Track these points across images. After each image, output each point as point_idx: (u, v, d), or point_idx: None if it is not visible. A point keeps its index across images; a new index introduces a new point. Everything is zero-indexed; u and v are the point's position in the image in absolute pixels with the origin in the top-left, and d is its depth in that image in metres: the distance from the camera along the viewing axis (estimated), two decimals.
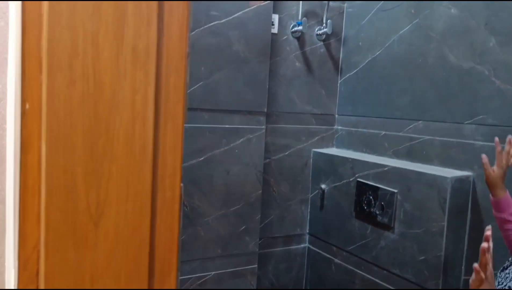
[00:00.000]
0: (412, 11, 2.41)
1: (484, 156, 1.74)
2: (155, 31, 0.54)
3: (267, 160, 2.65)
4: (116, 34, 0.51)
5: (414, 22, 2.41)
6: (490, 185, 1.70)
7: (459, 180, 2.07)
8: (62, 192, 0.49)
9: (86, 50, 0.49)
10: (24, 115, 0.49)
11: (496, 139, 1.74)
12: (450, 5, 2.22)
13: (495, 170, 1.69)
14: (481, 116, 2.08)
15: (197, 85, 2.24)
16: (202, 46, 2.22)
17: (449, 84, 2.22)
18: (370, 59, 2.68)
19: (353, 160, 2.55)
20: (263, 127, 2.46)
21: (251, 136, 2.42)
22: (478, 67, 2.09)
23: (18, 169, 0.49)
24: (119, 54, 0.51)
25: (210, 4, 2.20)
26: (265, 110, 2.47)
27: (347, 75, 2.85)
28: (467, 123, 2.14)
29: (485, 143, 2.06)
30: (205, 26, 2.21)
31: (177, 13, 0.55)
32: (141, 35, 0.53)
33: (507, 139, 1.69)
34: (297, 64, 2.72)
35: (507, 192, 1.67)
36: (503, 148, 1.70)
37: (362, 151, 2.72)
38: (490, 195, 1.71)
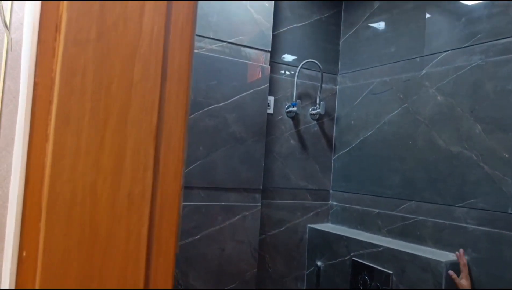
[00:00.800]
0: (401, 96, 2.50)
1: (451, 272, 1.97)
2: (151, 176, 0.56)
3: (263, 236, 2.63)
4: (113, 182, 0.53)
5: (403, 106, 2.49)
6: None
7: (454, 264, 2.05)
8: None
9: (84, 200, 0.51)
10: (20, 263, 0.50)
11: (458, 252, 2.02)
12: (436, 92, 2.31)
13: (463, 283, 1.92)
14: (471, 200, 2.10)
15: (195, 164, 2.27)
16: (201, 128, 2.28)
17: (438, 166, 2.26)
18: (362, 138, 2.74)
19: (348, 238, 2.53)
20: (258, 204, 2.47)
21: (246, 213, 2.42)
22: (466, 152, 2.14)
23: None
24: (115, 200, 0.53)
25: (210, 90, 2.29)
26: (261, 187, 2.49)
27: (340, 152, 2.90)
28: (458, 206, 2.15)
29: (477, 227, 2.05)
30: (204, 110, 2.28)
31: (172, 159, 0.58)
32: (137, 180, 0.55)
33: (459, 254, 2.00)
34: (292, 142, 2.78)
35: None
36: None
37: (356, 228, 2.71)
38: None
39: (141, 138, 0.56)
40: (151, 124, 0.56)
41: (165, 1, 0.59)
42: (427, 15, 2.40)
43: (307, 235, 2.81)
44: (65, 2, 0.51)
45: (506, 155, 1.97)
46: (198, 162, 2.28)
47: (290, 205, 2.76)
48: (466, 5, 2.21)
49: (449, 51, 2.26)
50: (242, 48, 2.41)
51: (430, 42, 2.37)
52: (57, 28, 0.51)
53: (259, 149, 2.48)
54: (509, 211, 1.95)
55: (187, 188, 2.24)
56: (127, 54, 0.55)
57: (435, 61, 2.33)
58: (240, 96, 2.39)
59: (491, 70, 2.06)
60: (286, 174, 2.75)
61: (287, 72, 2.76)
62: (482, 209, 2.05)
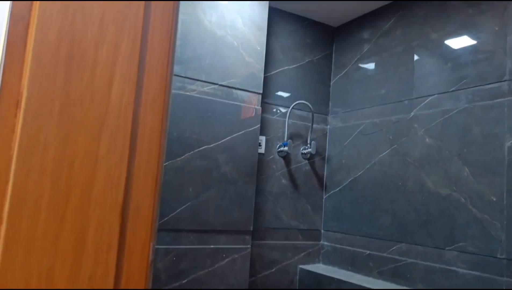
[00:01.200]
0: (390, 137, 2.49)
1: None
2: (115, 255, 0.52)
3: (253, 277, 2.55)
4: (73, 265, 0.49)
5: (392, 147, 2.47)
6: None
7: None
8: None
9: (39, 287, 0.47)
10: None
11: None
12: (424, 135, 2.29)
13: None
14: (461, 243, 2.05)
15: (185, 206, 2.21)
16: (191, 169, 2.24)
17: (428, 208, 2.22)
18: (352, 178, 2.70)
19: (339, 280, 2.45)
20: (248, 246, 2.40)
21: (236, 256, 2.35)
22: (455, 195, 2.10)
23: None
24: (75, 284, 0.49)
25: (201, 132, 2.26)
26: (251, 228, 2.42)
27: (332, 192, 2.85)
28: (448, 249, 2.10)
29: (468, 271, 1.99)
30: (195, 151, 2.25)
31: (140, 235, 0.54)
32: (100, 261, 0.51)
33: None
34: (283, 181, 2.74)
35: None
36: None
37: (347, 269, 2.63)
38: None
39: (105, 215, 0.52)
40: (117, 200, 0.53)
41: (137, 70, 0.56)
42: (416, 57, 2.42)
43: (298, 277, 2.73)
44: (27, 76, 0.48)
45: (494, 199, 1.94)
46: (187, 204, 2.22)
47: (282, 245, 2.69)
48: (453, 50, 2.23)
49: (437, 95, 2.26)
50: (234, 91, 2.40)
51: (419, 85, 2.38)
52: (18, 104, 0.48)
53: (250, 189, 2.43)
54: (499, 256, 1.89)
55: (176, 231, 2.18)
56: (93, 128, 0.52)
57: (423, 104, 2.33)
58: (232, 136, 2.36)
59: (478, 115, 2.05)
60: (277, 214, 2.70)
61: (279, 112, 2.75)
62: (472, 253, 2.00)
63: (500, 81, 1.98)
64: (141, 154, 0.55)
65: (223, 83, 2.37)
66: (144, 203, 0.55)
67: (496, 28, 2.03)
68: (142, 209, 0.55)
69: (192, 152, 2.24)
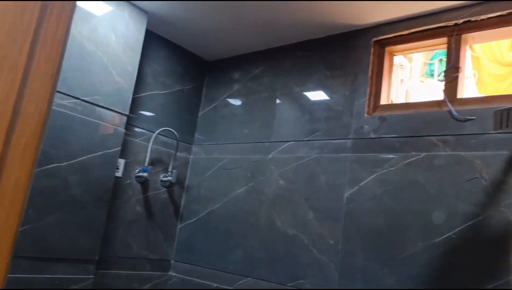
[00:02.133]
0: (249, 175, 2.56)
1: None
2: None
3: None
4: None
5: (249, 184, 2.54)
6: None
7: None
8: None
9: None
10: None
11: None
12: (279, 177, 2.42)
13: None
14: (301, 281, 2.18)
15: (21, 229, 1.90)
16: (34, 188, 1.94)
17: (276, 246, 2.32)
18: (209, 210, 2.69)
19: None
20: (91, 276, 2.16)
21: (75, 287, 2.09)
22: (300, 235, 2.24)
23: None
24: None
25: (52, 148, 2.00)
26: (97, 257, 2.20)
27: (187, 222, 2.79)
28: (288, 285, 2.21)
29: None
30: (42, 168, 1.97)
31: None
32: None
33: None
34: (137, 208, 2.58)
35: None
36: None
37: None
38: None
39: None
40: None
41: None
42: (278, 105, 2.57)
43: None
44: None
45: (332, 242, 2.12)
46: (25, 227, 1.92)
47: (128, 275, 2.50)
48: (311, 104, 2.43)
49: (293, 142, 2.42)
50: (97, 108, 2.20)
51: (278, 130, 2.52)
52: None
53: (101, 215, 2.22)
54: None
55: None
56: None
57: (280, 148, 2.47)
58: (88, 157, 2.14)
59: (325, 165, 2.25)
60: (127, 242, 2.51)
61: (143, 135, 2.61)
62: None
63: (346, 138, 2.22)
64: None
65: (86, 98, 2.15)
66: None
67: (347, 93, 2.29)
68: None
69: (37, 169, 1.96)
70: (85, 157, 2.13)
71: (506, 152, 1.71)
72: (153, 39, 2.68)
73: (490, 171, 1.73)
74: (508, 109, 1.49)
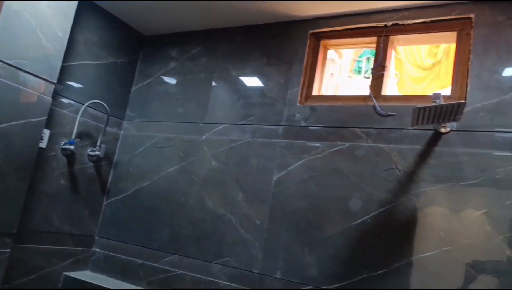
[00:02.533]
0: (181, 154, 2.55)
1: None
2: None
3: (7, 285, 2.16)
4: None
5: (181, 164, 2.53)
6: None
7: None
8: None
9: None
10: None
11: None
12: (212, 158, 2.43)
13: None
14: (227, 258, 2.23)
15: None
16: None
17: (204, 225, 2.35)
18: (137, 187, 2.64)
19: (105, 289, 2.32)
20: (7, 250, 2.03)
21: None
22: (228, 215, 2.29)
23: None
24: None
25: None
26: (14, 230, 2.06)
27: (113, 199, 2.71)
28: (215, 263, 2.26)
29: (227, 283, 2.18)
30: None
31: None
32: None
33: None
34: (62, 181, 2.45)
35: None
36: None
37: (117, 278, 2.52)
38: None
39: None
40: None
41: None
42: (214, 87, 2.57)
43: (61, 284, 2.46)
44: None
45: (258, 222, 2.20)
46: None
47: (48, 250, 2.38)
48: (246, 89, 2.46)
49: (228, 124, 2.44)
50: (22, 73, 2.03)
51: (213, 112, 2.52)
52: None
53: (21, 187, 2.08)
54: (253, 271, 2.14)
55: None
56: None
57: (215, 130, 2.48)
58: (9, 124, 1.98)
59: (257, 149, 2.31)
60: (49, 217, 2.38)
61: (71, 106, 2.47)
62: (233, 267, 2.20)
63: (277, 125, 2.29)
64: None
65: (9, 62, 1.98)
66: None
67: (281, 81, 2.36)
68: None
69: None
70: (5, 124, 1.97)
71: (419, 147, 1.89)
72: (88, 7, 2.52)
73: (405, 163, 1.90)
74: (425, 108, 1.64)
